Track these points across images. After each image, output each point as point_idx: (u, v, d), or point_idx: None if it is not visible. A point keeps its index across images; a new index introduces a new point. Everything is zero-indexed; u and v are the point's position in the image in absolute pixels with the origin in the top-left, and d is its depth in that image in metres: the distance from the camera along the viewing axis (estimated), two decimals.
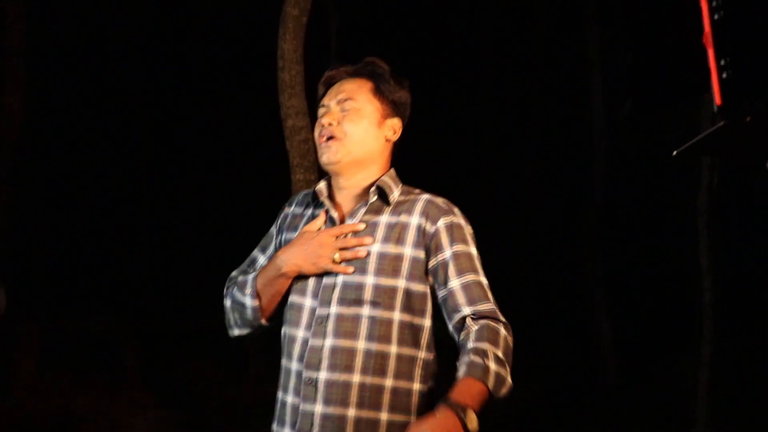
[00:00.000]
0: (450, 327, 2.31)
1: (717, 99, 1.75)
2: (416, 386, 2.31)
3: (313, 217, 2.44)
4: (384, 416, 2.26)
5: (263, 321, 2.42)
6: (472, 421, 2.08)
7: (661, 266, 11.26)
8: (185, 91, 13.13)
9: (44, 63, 11.01)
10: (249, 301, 2.41)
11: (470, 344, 2.22)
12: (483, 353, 2.20)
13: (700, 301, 6.81)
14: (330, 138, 2.36)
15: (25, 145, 9.17)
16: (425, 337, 2.32)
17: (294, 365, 2.32)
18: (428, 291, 2.33)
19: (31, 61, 9.24)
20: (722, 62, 1.75)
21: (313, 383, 2.26)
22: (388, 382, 2.27)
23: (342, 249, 2.30)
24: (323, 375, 2.26)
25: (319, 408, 2.25)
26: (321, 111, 2.45)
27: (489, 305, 2.31)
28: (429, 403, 2.29)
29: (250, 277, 2.43)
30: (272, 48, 4.92)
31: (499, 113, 13.18)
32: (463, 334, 2.26)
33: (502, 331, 2.29)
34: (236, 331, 2.52)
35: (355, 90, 2.42)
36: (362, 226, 2.33)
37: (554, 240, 12.42)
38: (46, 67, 11.23)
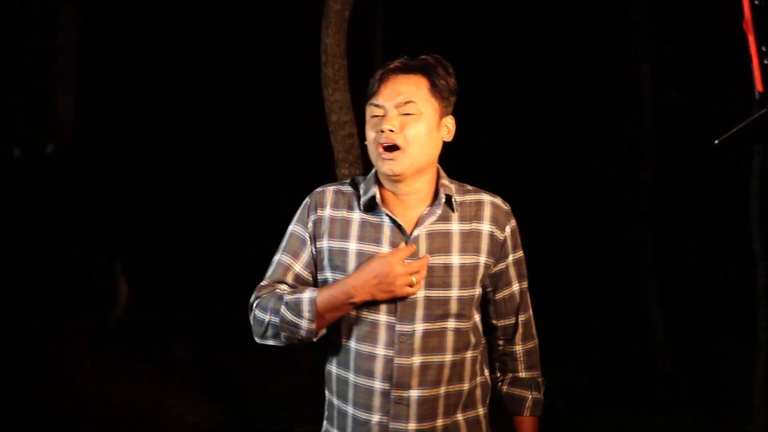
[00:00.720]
0: (497, 323, 2.43)
1: (758, 86, 1.73)
2: (479, 379, 2.38)
3: (369, 223, 2.30)
4: (460, 417, 2.32)
5: (313, 340, 2.30)
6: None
7: (713, 252, 11.11)
8: (230, 86, 13.22)
9: (95, 61, 11.15)
10: (306, 324, 2.23)
11: (527, 373, 2.50)
12: (537, 386, 2.50)
13: (754, 288, 6.70)
14: (391, 147, 2.25)
15: (76, 143, 9.32)
16: (480, 333, 2.40)
17: (377, 384, 2.26)
18: (480, 291, 2.37)
19: (83, 59, 9.38)
20: (763, 48, 1.73)
21: (405, 402, 2.24)
22: (465, 386, 2.32)
23: (416, 273, 2.19)
24: (414, 393, 2.24)
25: (412, 426, 2.25)
26: (376, 110, 2.29)
27: (529, 312, 2.50)
28: (485, 388, 2.42)
29: (306, 298, 2.24)
30: (315, 43, 4.92)
31: (550, 102, 13.09)
32: (512, 348, 2.48)
33: (536, 344, 2.53)
34: (268, 342, 2.34)
35: (414, 91, 2.27)
36: (421, 245, 2.27)
37: (605, 227, 12.31)
38: (97, 65, 11.36)
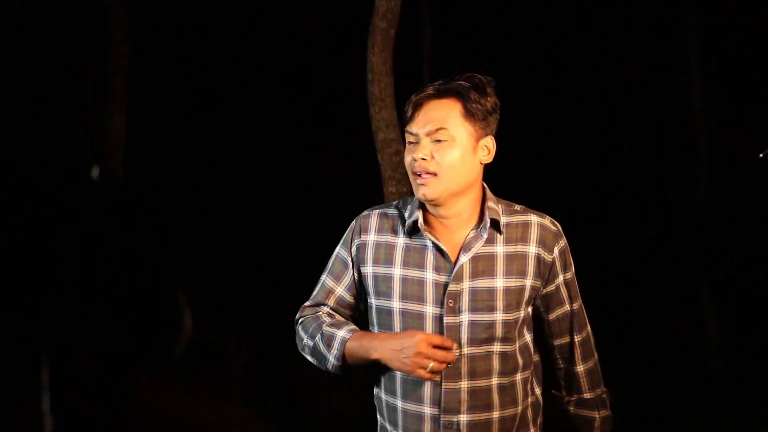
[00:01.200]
0: (553, 343, 2.43)
1: None
2: (530, 399, 2.37)
3: (414, 248, 2.30)
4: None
5: (339, 373, 2.40)
6: None
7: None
8: (278, 106, 13.32)
9: (147, 82, 11.31)
10: (333, 360, 2.35)
11: (591, 393, 2.50)
12: (603, 404, 2.52)
13: None
14: (426, 174, 2.26)
15: (128, 164, 9.44)
16: (531, 353, 2.39)
17: (427, 409, 2.26)
18: (530, 312, 2.36)
19: (134, 80, 9.51)
20: None
21: (455, 426, 2.25)
22: (519, 409, 2.31)
23: (436, 360, 2.20)
24: (464, 417, 2.24)
25: None
26: (411, 138, 2.32)
27: (586, 329, 2.48)
28: (536, 408, 2.40)
29: (339, 336, 2.33)
30: (362, 61, 4.95)
31: (602, 115, 13.02)
32: (573, 368, 2.47)
33: (597, 360, 2.52)
34: (307, 358, 2.52)
35: (445, 117, 2.26)
36: (465, 270, 2.27)
37: (659, 239, 12.19)
38: (149, 86, 11.53)
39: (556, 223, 2.35)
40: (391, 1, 4.87)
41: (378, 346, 2.24)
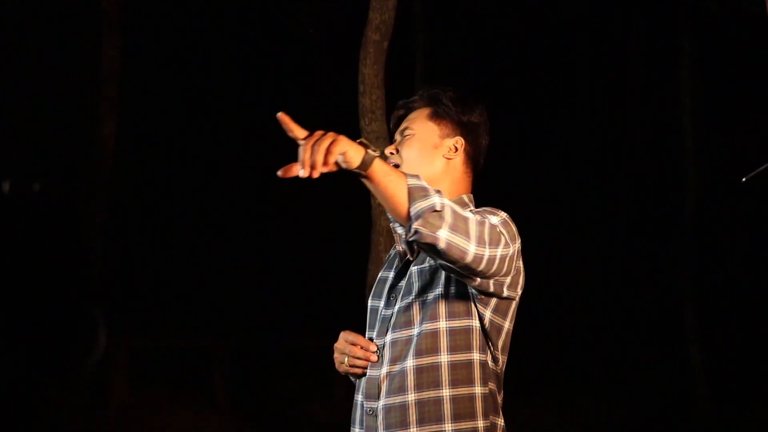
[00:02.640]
0: None
1: None
2: (478, 390, 2.24)
3: (396, 252, 2.40)
4: (448, 427, 2.20)
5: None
6: (354, 153, 1.94)
7: (755, 288, 10.95)
8: (268, 116, 13.32)
9: (138, 88, 11.30)
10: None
11: None
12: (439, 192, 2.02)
13: None
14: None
15: (118, 169, 9.42)
16: (477, 338, 2.23)
17: (359, 397, 2.34)
18: (468, 290, 2.23)
19: (126, 86, 9.51)
20: None
21: (374, 413, 2.27)
22: (445, 392, 2.22)
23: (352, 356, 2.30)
24: (381, 402, 2.26)
25: None
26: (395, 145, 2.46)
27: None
28: (494, 402, 2.25)
29: None
30: (354, 72, 4.95)
31: (591, 135, 13.06)
32: None
33: (492, 220, 2.13)
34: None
35: (414, 118, 2.41)
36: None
37: (644, 262, 12.21)
38: (140, 91, 11.52)
39: (496, 209, 2.28)
40: (384, 13, 4.88)
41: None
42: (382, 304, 2.35)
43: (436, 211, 1.96)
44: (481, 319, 2.23)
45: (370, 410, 2.29)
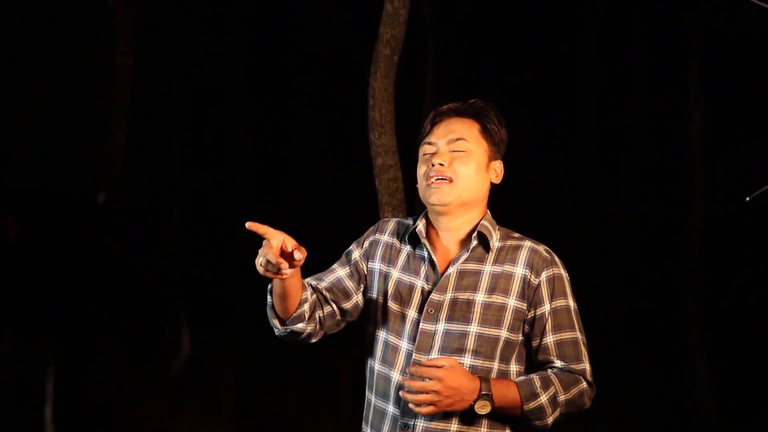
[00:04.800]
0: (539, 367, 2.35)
1: None
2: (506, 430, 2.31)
3: (413, 255, 2.40)
4: None
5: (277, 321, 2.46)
6: (482, 407, 2.14)
7: (762, 302, 10.92)
8: (279, 128, 13.37)
9: (149, 97, 11.34)
10: (269, 297, 2.52)
11: (544, 370, 2.27)
12: (546, 384, 2.22)
13: None
14: (441, 179, 2.33)
15: (128, 177, 9.44)
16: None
17: (390, 408, 2.31)
18: (519, 339, 2.32)
19: (136, 94, 9.54)
20: None
21: (410, 429, 2.26)
22: (483, 430, 2.27)
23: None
24: (420, 423, 2.26)
25: None
26: (428, 149, 2.40)
27: (580, 365, 2.31)
28: None
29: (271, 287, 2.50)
30: (364, 86, 4.98)
31: (599, 149, 13.06)
32: (549, 366, 2.32)
33: (583, 385, 2.28)
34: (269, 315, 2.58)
35: (465, 130, 2.38)
36: (450, 282, 2.31)
37: (651, 277, 12.19)
38: (151, 100, 11.56)
39: (552, 252, 2.37)
40: (395, 28, 4.92)
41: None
42: (414, 313, 2.34)
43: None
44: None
45: (405, 426, 2.29)
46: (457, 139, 2.35)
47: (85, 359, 2.34)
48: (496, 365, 2.27)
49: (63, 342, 2.32)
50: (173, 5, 11.45)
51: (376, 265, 2.45)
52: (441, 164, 2.32)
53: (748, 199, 1.92)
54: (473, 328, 2.26)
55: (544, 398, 2.18)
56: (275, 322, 2.43)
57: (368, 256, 2.48)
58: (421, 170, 2.39)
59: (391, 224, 2.50)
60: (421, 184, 2.38)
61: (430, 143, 2.39)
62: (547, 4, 12.35)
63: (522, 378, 2.23)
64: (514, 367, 2.31)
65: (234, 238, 12.87)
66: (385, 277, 2.41)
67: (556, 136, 13.08)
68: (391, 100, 4.90)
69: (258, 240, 2.19)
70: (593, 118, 13.03)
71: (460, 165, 2.33)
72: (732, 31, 8.55)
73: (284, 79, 13.32)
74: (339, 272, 2.49)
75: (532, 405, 2.17)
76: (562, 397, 2.22)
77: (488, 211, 2.43)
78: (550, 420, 2.21)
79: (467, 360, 2.25)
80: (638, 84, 12.28)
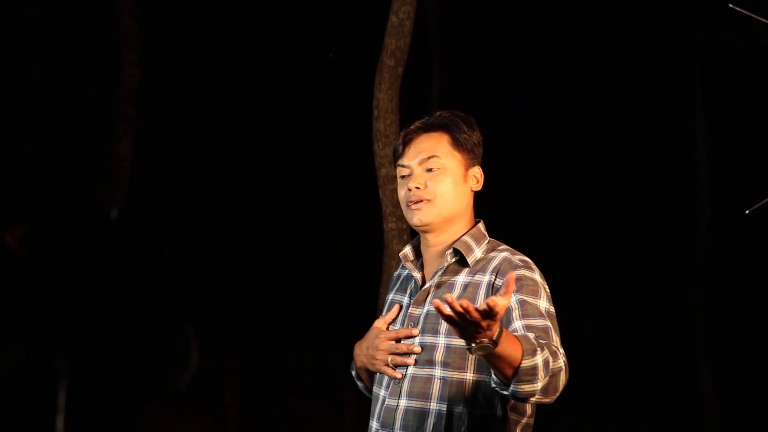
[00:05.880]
0: None
1: None
2: None
3: (405, 276, 2.45)
4: None
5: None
6: (483, 348, 1.97)
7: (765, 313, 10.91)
8: (283, 138, 13.40)
9: (155, 106, 11.38)
10: (357, 381, 2.55)
11: (533, 339, 2.12)
12: (541, 346, 2.08)
13: None
14: (419, 201, 2.34)
15: (134, 188, 9.46)
16: (499, 396, 2.24)
17: (374, 424, 2.36)
18: None
19: (143, 104, 9.57)
20: None
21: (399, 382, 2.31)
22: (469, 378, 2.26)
23: (394, 353, 2.32)
24: (409, 372, 2.30)
25: None
26: (403, 171, 2.41)
27: (552, 344, 2.17)
28: None
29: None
30: (368, 97, 5.00)
31: (606, 162, 13.08)
32: None
33: (561, 363, 2.15)
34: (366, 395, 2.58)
35: (435, 146, 2.38)
36: (417, 330, 2.31)
37: (657, 288, 12.18)
38: (157, 110, 11.59)
39: (528, 262, 2.33)
40: (400, 39, 4.93)
41: (357, 351, 2.42)
42: (399, 328, 2.39)
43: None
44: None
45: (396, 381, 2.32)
46: (429, 158, 2.35)
47: (97, 371, 2.37)
48: (469, 376, 2.25)
49: (75, 354, 2.36)
50: (180, 15, 11.50)
51: (389, 297, 2.52)
52: (417, 187, 2.33)
53: (747, 212, 1.93)
54: (441, 340, 2.27)
55: (539, 358, 2.05)
56: (367, 393, 2.54)
57: (391, 293, 2.54)
58: (400, 194, 2.41)
59: (404, 256, 2.53)
60: (403, 207, 2.41)
61: (403, 165, 2.41)
62: (554, 16, 12.38)
63: (520, 334, 2.12)
64: (488, 379, 2.22)
65: (240, 247, 12.89)
66: (388, 303, 2.49)
67: (561, 148, 13.09)
68: (396, 111, 4.90)
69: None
70: (600, 130, 13.04)
71: (436, 184, 2.33)
72: (737, 44, 8.57)
73: (290, 89, 13.36)
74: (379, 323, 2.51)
75: (529, 362, 2.02)
76: (552, 365, 2.10)
77: (479, 221, 2.43)
78: (539, 385, 2.07)
79: (437, 372, 2.26)
80: (645, 96, 12.30)
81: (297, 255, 13.01)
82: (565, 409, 9.91)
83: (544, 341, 2.14)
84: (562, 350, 2.19)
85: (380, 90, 4.90)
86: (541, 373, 2.05)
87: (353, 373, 2.55)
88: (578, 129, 13.10)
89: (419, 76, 9.61)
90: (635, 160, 12.64)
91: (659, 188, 12.63)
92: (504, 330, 1.99)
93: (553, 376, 2.11)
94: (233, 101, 13.10)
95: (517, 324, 2.20)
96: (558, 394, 2.15)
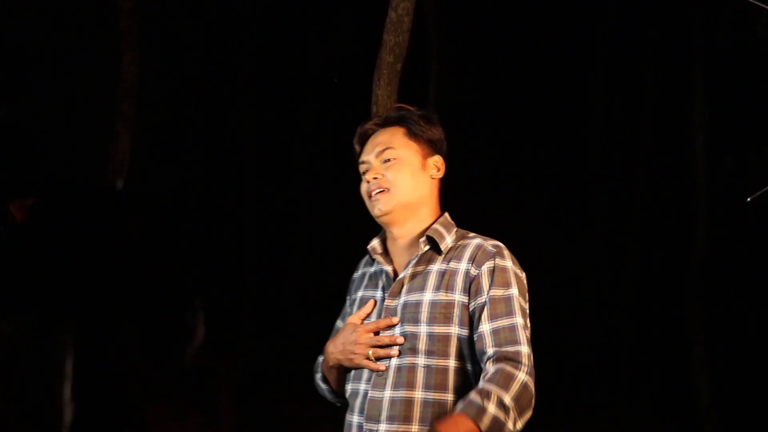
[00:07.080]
0: (480, 359, 2.29)
1: None
2: None
3: (373, 272, 2.46)
4: None
5: (341, 399, 2.50)
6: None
7: (765, 321, 10.90)
8: (282, 135, 13.40)
9: (154, 104, 11.38)
10: (321, 384, 2.55)
11: (479, 385, 2.19)
12: (486, 394, 2.14)
13: None
14: (379, 191, 2.38)
15: (133, 184, 9.46)
16: (472, 380, 2.29)
17: (355, 418, 2.34)
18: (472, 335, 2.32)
19: (142, 102, 9.56)
20: None
21: None
22: None
23: (376, 346, 2.32)
24: (383, 427, 2.27)
25: None
26: (362, 167, 2.46)
27: (515, 347, 2.24)
28: None
29: (318, 360, 2.55)
30: (367, 94, 4.98)
31: (602, 161, 13.07)
32: (480, 378, 2.23)
33: (520, 375, 2.19)
34: (329, 399, 2.61)
35: (390, 139, 2.43)
36: (396, 319, 2.32)
37: (654, 295, 12.17)
38: (156, 108, 11.59)
39: (501, 247, 2.35)
40: (399, 36, 4.91)
41: (331, 349, 2.42)
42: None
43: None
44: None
45: (369, 431, 2.30)
46: (384, 149, 2.40)
47: (105, 342, 2.39)
48: (451, 363, 2.27)
49: (82, 324, 2.38)
50: (179, 14, 11.50)
51: (351, 297, 2.53)
52: (375, 178, 2.38)
53: (749, 199, 1.91)
54: (423, 329, 2.28)
55: (492, 408, 2.11)
56: (330, 396, 2.56)
57: (349, 296, 2.55)
58: (362, 189, 2.45)
59: (365, 258, 2.56)
60: (366, 201, 2.44)
61: (362, 162, 2.46)
62: (553, 13, 12.38)
63: (460, 403, 2.17)
64: (470, 367, 2.29)
65: (238, 247, 12.87)
66: (356, 301, 2.49)
67: (560, 146, 13.08)
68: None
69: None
70: (599, 129, 13.03)
71: (392, 172, 2.38)
72: (737, 41, 8.58)
73: (289, 86, 13.36)
74: (338, 324, 2.58)
75: (486, 421, 2.09)
76: (507, 399, 2.14)
77: (444, 212, 2.47)
78: (511, 425, 2.13)
79: (421, 360, 2.26)
80: (645, 94, 12.30)
81: (296, 255, 13.00)
82: (559, 416, 9.90)
83: (493, 362, 2.20)
84: (525, 348, 2.24)
85: (379, 86, 4.88)
86: (502, 417, 2.12)
87: (317, 376, 2.54)
88: (577, 126, 13.10)
89: (418, 73, 9.61)
90: (635, 160, 12.63)
91: (658, 189, 12.62)
92: (437, 423, 2.11)
93: (518, 400, 2.16)
94: (232, 99, 13.10)
95: (485, 328, 2.26)
96: (534, 401, 2.22)
